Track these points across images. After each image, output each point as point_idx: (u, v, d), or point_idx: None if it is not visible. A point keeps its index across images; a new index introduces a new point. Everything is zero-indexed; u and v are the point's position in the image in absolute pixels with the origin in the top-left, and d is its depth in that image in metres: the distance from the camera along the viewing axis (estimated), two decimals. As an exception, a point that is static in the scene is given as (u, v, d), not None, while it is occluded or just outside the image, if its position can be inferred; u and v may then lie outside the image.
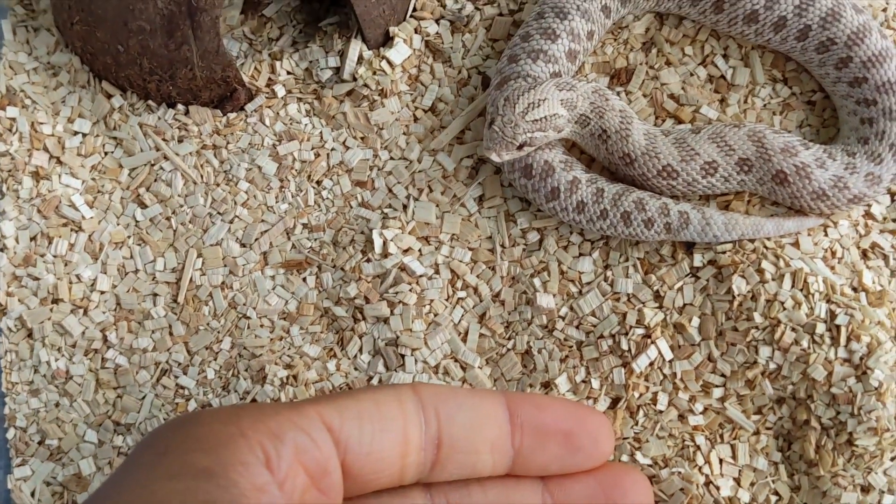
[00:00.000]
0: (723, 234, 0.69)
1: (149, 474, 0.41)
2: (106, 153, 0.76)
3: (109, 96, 0.76)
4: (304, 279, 0.73)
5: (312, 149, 0.75)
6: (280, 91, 0.75)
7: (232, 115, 0.75)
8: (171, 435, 0.43)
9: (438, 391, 0.49)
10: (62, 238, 0.74)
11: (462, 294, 0.72)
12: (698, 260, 0.70)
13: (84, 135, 0.76)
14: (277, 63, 0.76)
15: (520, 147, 0.66)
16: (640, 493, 0.57)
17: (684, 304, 0.70)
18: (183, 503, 0.39)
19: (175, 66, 0.72)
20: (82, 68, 0.77)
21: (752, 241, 0.69)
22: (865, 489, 0.67)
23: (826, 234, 0.71)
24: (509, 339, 0.72)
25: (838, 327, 0.67)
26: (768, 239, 0.69)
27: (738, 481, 0.69)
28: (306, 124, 0.75)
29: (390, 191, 0.74)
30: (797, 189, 0.68)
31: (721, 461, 0.69)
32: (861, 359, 0.66)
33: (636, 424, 0.70)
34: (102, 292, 0.74)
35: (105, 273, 0.74)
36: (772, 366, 0.68)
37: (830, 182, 0.68)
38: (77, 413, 0.73)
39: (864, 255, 0.71)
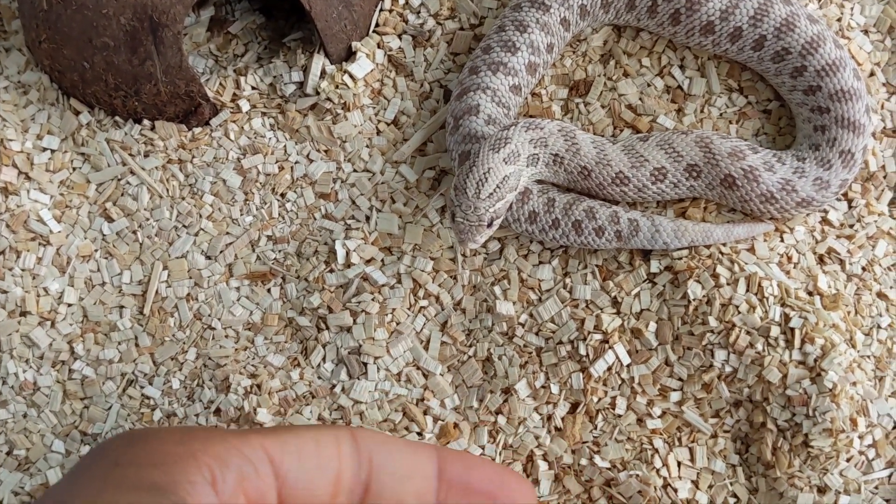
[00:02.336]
0: (672, 240, 0.70)
1: (100, 485, 0.42)
2: (74, 168, 0.77)
3: (77, 113, 0.77)
4: (269, 290, 0.75)
5: (276, 162, 0.76)
6: (245, 106, 0.77)
7: (197, 130, 0.76)
8: (123, 448, 0.44)
9: (375, 438, 0.51)
10: (30, 252, 0.75)
11: (424, 303, 0.73)
12: (655, 266, 0.71)
13: (52, 151, 0.77)
14: (242, 78, 0.77)
15: (489, 225, 0.67)
16: None
17: (641, 310, 0.71)
18: None
19: (139, 82, 0.74)
20: (51, 86, 0.78)
21: (707, 246, 0.70)
22: (822, 490, 0.67)
23: (782, 240, 0.72)
24: (470, 346, 0.73)
25: (792, 330, 0.68)
26: (724, 245, 0.71)
27: (696, 484, 0.69)
28: (270, 138, 0.76)
29: (353, 202, 0.75)
30: (746, 192, 0.69)
31: (679, 464, 0.70)
32: (815, 361, 0.67)
33: (595, 428, 0.70)
34: (69, 305, 0.75)
35: (72, 286, 0.75)
36: (728, 369, 0.69)
37: (778, 185, 0.69)
38: (45, 423, 0.74)
39: (821, 259, 0.72)
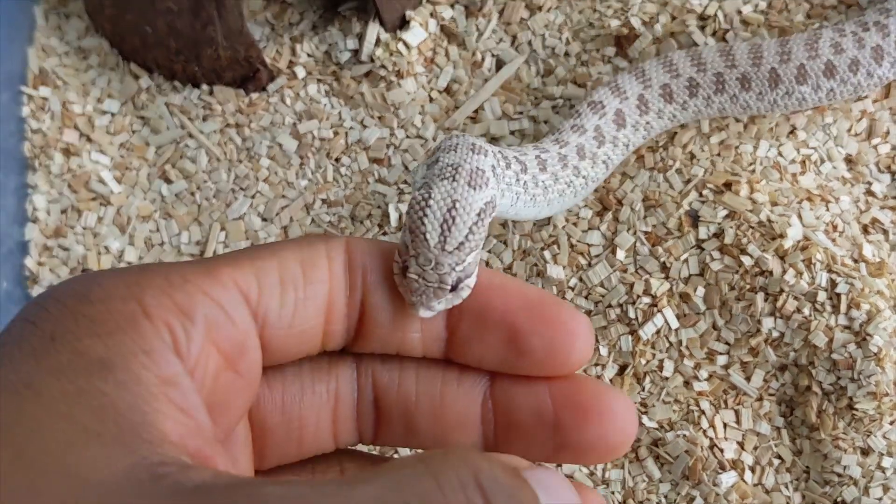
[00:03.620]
0: None
1: (33, 367, 0.33)
2: (133, 131, 0.79)
3: (137, 77, 0.79)
4: (323, 252, 0.76)
5: (331, 127, 0.78)
6: (300, 72, 0.79)
7: (254, 95, 0.78)
8: (59, 313, 0.34)
9: (370, 248, 0.42)
10: (91, 211, 0.77)
11: (475, 266, 0.75)
12: (703, 233, 0.72)
13: (113, 114, 0.79)
14: (298, 46, 0.79)
15: (454, 289, 0.44)
16: (617, 420, 0.43)
17: (689, 275, 0.72)
18: (74, 411, 0.32)
19: (200, 46, 0.75)
20: (111, 51, 0.80)
21: (756, 214, 0.72)
22: (865, 452, 0.69)
23: (828, 209, 0.73)
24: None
25: (839, 295, 0.69)
26: (771, 212, 0.72)
27: (741, 445, 0.71)
28: (325, 104, 0.78)
29: (406, 168, 0.77)
30: None
31: (725, 425, 0.71)
32: (861, 326, 0.68)
33: (643, 390, 0.72)
34: (129, 263, 0.77)
35: (132, 245, 0.77)
36: (774, 334, 0.70)
37: None
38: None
39: (865, 229, 0.73)
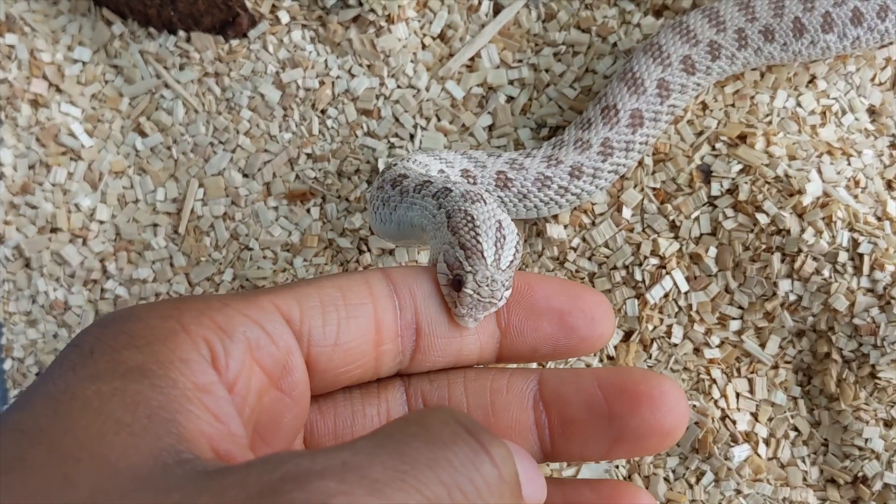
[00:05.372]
0: None
1: (71, 377, 0.35)
2: (106, 81, 0.74)
3: (110, 24, 0.74)
4: (308, 210, 0.71)
5: (317, 77, 0.73)
6: (284, 17, 0.73)
7: (234, 42, 0.73)
8: (99, 332, 0.37)
9: (412, 272, 0.44)
10: (61, 167, 0.72)
11: (470, 225, 0.70)
12: (716, 189, 0.67)
13: (84, 63, 0.74)
14: (281, -11, 0.74)
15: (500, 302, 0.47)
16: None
17: (701, 234, 0.67)
18: (106, 407, 0.34)
19: (176, -10, 0.70)
20: (83, -5, 0.75)
21: (773, 168, 0.67)
22: (889, 423, 0.64)
23: (849, 164, 0.68)
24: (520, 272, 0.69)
25: (861, 256, 0.64)
26: (789, 166, 0.67)
27: (755, 416, 0.66)
28: (311, 51, 0.73)
29: (397, 120, 0.72)
30: None
31: (738, 395, 0.66)
32: (885, 288, 0.63)
33: (650, 358, 0.67)
34: (102, 222, 0.72)
35: (104, 203, 0.72)
36: (792, 297, 0.65)
37: None
38: (75, 345, 0.71)
39: (889, 185, 0.68)
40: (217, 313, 0.38)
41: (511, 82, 0.72)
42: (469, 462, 0.33)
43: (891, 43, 0.70)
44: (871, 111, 0.71)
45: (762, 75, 0.71)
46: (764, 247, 0.65)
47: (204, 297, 0.39)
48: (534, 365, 0.58)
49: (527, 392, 0.46)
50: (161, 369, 0.35)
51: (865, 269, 0.64)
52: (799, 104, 0.70)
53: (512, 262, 0.48)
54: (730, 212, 0.67)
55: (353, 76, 0.73)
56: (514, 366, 0.51)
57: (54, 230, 0.72)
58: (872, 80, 0.71)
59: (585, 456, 0.46)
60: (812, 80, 0.71)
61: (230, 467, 0.32)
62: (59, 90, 0.73)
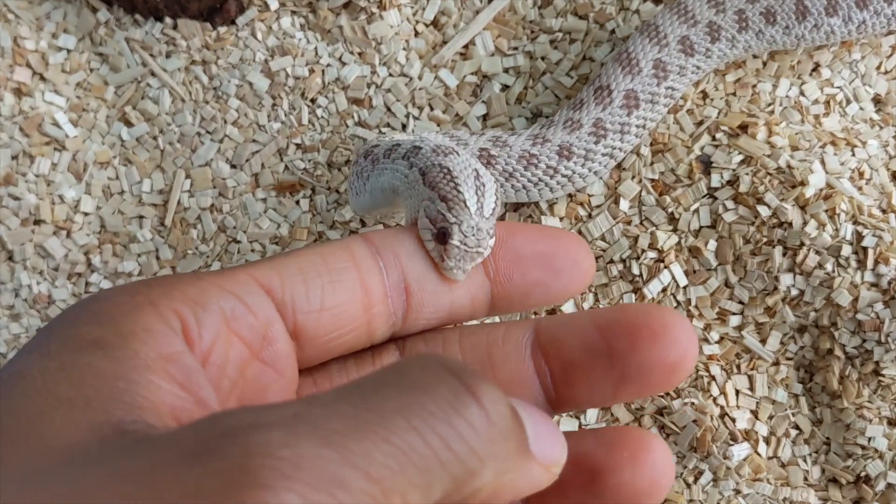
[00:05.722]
0: None
1: (24, 358, 0.33)
2: (91, 70, 0.72)
3: (95, 10, 0.72)
4: (297, 202, 0.70)
5: (307, 65, 0.71)
6: (273, 3, 0.71)
7: (222, 29, 0.71)
8: (64, 314, 0.35)
9: (392, 233, 0.43)
10: (45, 157, 0.71)
11: (464, 217, 0.68)
12: (716, 180, 0.65)
13: (69, 51, 0.72)
14: (270, -26, 0.72)
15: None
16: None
17: (700, 227, 0.65)
18: (49, 383, 0.32)
19: (161, -24, 0.68)
20: (67, -19, 0.73)
21: (773, 159, 0.65)
22: (893, 422, 0.63)
23: (853, 154, 0.66)
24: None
25: (865, 249, 0.62)
26: (791, 157, 0.65)
27: (755, 414, 0.64)
28: (300, 39, 0.71)
29: (389, 109, 0.70)
30: None
31: (737, 392, 0.65)
32: (889, 283, 0.62)
33: (647, 354, 0.66)
34: (86, 214, 0.71)
35: (89, 194, 0.71)
36: (793, 292, 0.64)
37: None
38: (59, 339, 0.70)
39: (894, 176, 0.66)
40: (189, 286, 0.36)
41: (506, 70, 0.70)
42: (448, 405, 0.30)
43: (897, 30, 0.68)
44: (877, 100, 0.69)
45: (764, 63, 0.69)
46: (765, 240, 0.64)
47: (178, 274, 0.38)
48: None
49: (524, 341, 0.44)
50: (121, 341, 0.33)
51: (870, 263, 0.62)
52: (802, 93, 0.68)
53: (494, 209, 0.47)
54: (730, 204, 0.65)
55: (343, 64, 0.71)
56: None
57: (38, 222, 0.70)
58: (878, 68, 0.69)
59: (593, 401, 0.44)
60: (816, 68, 0.69)
61: (172, 430, 0.30)
62: (43, 79, 0.72)
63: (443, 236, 0.45)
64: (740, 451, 0.63)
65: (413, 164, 0.50)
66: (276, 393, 0.39)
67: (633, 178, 0.67)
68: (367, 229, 0.68)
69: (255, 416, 0.28)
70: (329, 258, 0.40)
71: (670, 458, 0.43)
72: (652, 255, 0.65)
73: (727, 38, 0.65)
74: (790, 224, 0.63)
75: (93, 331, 0.33)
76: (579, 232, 0.66)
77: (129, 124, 0.71)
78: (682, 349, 0.41)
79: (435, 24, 0.71)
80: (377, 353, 0.44)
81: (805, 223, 0.63)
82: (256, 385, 0.38)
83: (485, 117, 0.69)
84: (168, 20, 0.71)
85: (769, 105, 0.68)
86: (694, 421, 0.64)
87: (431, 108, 0.70)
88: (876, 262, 0.62)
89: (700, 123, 0.67)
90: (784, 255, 0.63)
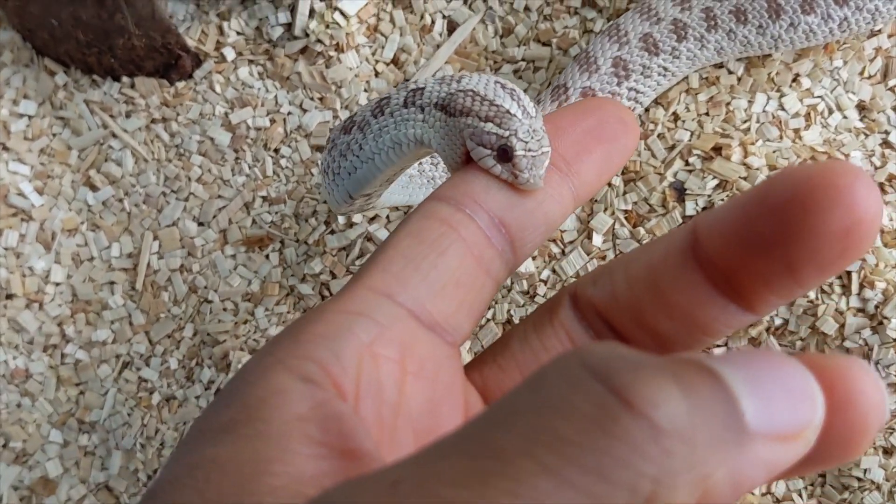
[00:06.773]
0: None
1: (167, 464, 0.32)
2: (54, 135, 0.71)
3: (53, 74, 0.71)
4: (267, 256, 0.68)
5: (267, 114, 0.69)
6: (230, 54, 0.70)
7: (180, 85, 0.70)
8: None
9: (456, 180, 0.41)
10: (12, 229, 0.70)
11: (436, 262, 0.66)
12: (691, 208, 0.63)
13: (30, 117, 0.72)
14: (225, 23, 0.70)
15: None
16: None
17: (677, 258, 0.63)
18: (181, 494, 0.29)
19: (112, 37, 0.67)
20: (24, 46, 0.72)
21: (749, 181, 0.62)
22: (888, 451, 0.60)
23: (836, 169, 0.63)
24: (488, 308, 0.66)
25: (849, 273, 0.60)
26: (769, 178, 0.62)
27: (744, 450, 0.62)
28: (259, 88, 0.69)
29: (354, 154, 0.68)
30: None
31: (725, 429, 0.62)
32: (876, 307, 0.59)
33: (630, 393, 0.63)
34: (57, 284, 0.70)
35: (59, 263, 0.70)
36: (777, 321, 0.61)
37: None
38: (40, 413, 0.69)
39: (881, 188, 0.63)
40: (315, 325, 0.33)
41: (471, 105, 0.68)
42: (593, 424, 0.23)
43: (880, 30, 0.65)
44: (861, 107, 0.66)
45: (739, 79, 0.66)
46: (745, 269, 0.61)
47: (303, 316, 0.36)
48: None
49: (686, 251, 0.37)
50: (249, 416, 0.30)
51: (854, 287, 0.59)
52: (781, 106, 0.65)
53: (536, 106, 0.45)
54: (707, 232, 0.62)
55: (304, 111, 0.69)
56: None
57: (9, 296, 0.70)
58: (861, 73, 0.66)
59: (780, 293, 0.36)
60: (796, 78, 0.66)
61: None
62: (5, 148, 0.71)
63: (504, 153, 0.42)
64: (731, 489, 0.61)
65: (422, 106, 0.47)
66: (446, 400, 0.37)
67: (606, 210, 0.64)
68: (337, 282, 0.66)
69: (346, 497, 0.25)
70: (422, 234, 0.38)
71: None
72: (629, 290, 0.63)
73: (695, 38, 0.62)
74: (768, 252, 0.60)
75: (222, 415, 0.30)
76: (553, 271, 0.64)
77: (94, 188, 0.70)
78: (865, 207, 0.32)
79: (395, 62, 0.69)
80: (554, 313, 0.42)
81: (784, 250, 0.60)
82: (420, 399, 0.35)
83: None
84: (125, 79, 0.70)
85: (745, 122, 0.65)
86: (680, 463, 0.61)
87: (397, 150, 0.68)
88: (861, 287, 0.59)
89: (672, 148, 0.65)
90: (765, 283, 0.61)
